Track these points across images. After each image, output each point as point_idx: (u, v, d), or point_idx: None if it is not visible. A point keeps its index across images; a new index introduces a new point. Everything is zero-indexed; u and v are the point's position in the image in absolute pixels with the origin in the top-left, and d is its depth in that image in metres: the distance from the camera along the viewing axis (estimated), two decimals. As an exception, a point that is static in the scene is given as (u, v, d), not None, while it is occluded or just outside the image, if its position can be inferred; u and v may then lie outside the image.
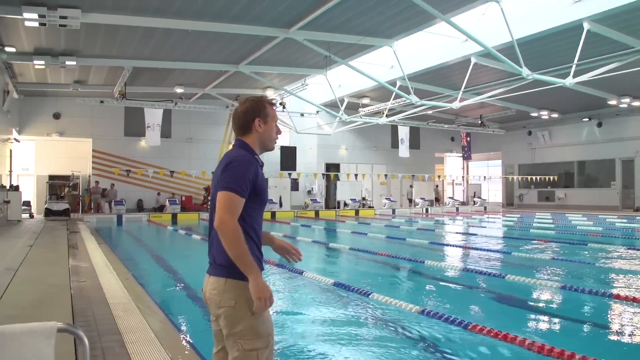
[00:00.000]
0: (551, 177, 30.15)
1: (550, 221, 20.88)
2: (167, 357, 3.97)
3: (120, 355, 4.01)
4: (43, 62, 16.87)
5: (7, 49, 15.51)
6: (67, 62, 16.95)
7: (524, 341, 4.51)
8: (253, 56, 18.03)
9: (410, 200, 31.71)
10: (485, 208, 31.70)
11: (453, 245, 13.22)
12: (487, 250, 11.94)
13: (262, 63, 19.28)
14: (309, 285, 7.77)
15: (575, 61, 15.19)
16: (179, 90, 22.88)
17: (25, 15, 12.18)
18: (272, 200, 26.58)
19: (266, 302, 2.30)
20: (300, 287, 7.83)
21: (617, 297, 6.48)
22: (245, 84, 23.57)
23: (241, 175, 2.38)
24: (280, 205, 27.54)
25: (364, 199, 30.30)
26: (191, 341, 4.71)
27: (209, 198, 25.39)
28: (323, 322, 5.68)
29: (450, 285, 8.00)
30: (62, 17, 12.37)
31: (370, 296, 6.49)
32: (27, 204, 22.80)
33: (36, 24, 12.80)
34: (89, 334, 4.60)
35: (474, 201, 33.39)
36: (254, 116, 2.58)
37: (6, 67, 17.76)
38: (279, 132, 2.72)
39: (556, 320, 5.97)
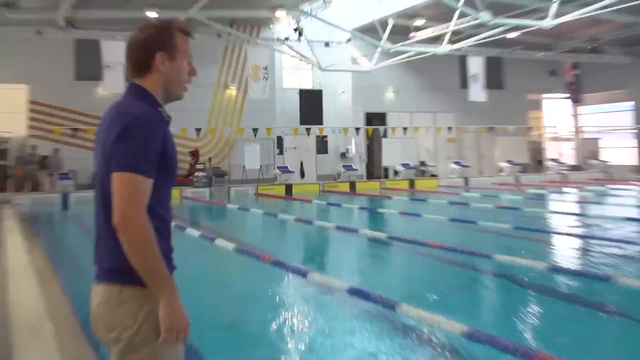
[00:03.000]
0: None
1: None
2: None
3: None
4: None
5: None
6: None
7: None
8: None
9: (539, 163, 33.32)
10: (608, 175, 30.94)
11: (548, 232, 13.05)
12: (605, 240, 11.57)
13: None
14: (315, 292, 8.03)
15: None
16: (151, 14, 22.80)
17: None
18: (287, 168, 26.49)
19: (178, 336, 2.34)
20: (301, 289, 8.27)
21: None
22: (244, 4, 23.65)
23: (144, 146, 2.38)
24: (302, 175, 27.49)
25: (422, 163, 30.04)
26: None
27: (195, 165, 25.17)
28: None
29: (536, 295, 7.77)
30: None
31: (398, 308, 6.27)
32: None
33: None
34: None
35: (590, 165, 32.65)
36: (155, 49, 2.59)
37: None
38: (192, 72, 2.76)
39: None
